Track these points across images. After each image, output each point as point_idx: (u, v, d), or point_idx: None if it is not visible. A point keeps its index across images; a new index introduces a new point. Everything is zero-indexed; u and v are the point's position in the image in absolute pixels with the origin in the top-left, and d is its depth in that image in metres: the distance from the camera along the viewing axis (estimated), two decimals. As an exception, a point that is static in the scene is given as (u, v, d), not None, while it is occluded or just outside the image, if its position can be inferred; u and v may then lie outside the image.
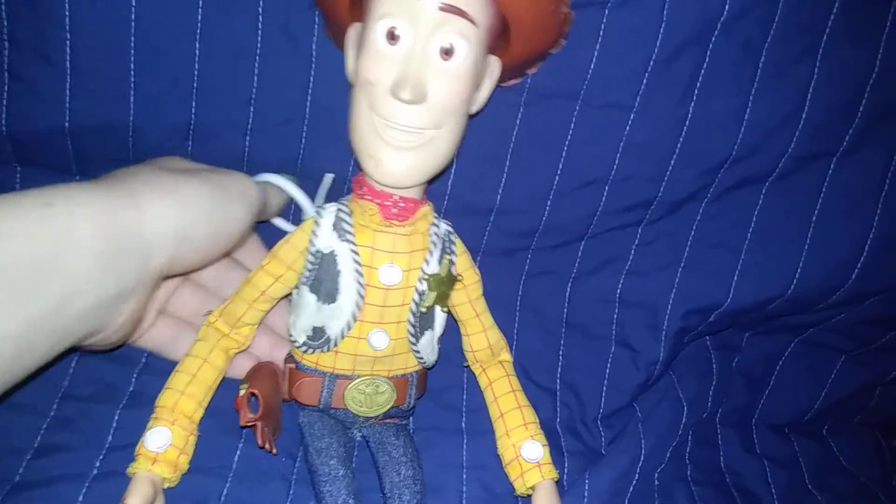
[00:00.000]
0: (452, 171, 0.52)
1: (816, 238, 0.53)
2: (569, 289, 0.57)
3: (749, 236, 0.53)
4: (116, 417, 0.45)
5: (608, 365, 0.55)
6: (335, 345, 0.42)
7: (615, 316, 0.56)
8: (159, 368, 0.45)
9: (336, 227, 0.41)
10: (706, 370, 0.58)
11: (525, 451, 0.45)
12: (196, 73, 0.47)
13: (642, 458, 0.51)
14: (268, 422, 0.41)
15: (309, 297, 0.42)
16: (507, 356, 0.50)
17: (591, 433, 0.53)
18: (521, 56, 0.44)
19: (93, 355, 0.48)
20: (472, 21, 0.37)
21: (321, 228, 0.41)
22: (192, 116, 0.49)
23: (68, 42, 0.45)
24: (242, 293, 0.44)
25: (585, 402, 0.54)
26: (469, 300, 0.47)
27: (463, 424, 0.50)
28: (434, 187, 0.52)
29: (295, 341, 0.43)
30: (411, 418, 0.51)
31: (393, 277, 0.41)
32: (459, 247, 0.46)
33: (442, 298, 0.44)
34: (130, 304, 0.36)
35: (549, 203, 0.53)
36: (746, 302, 0.54)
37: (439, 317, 0.45)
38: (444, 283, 0.43)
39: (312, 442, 0.44)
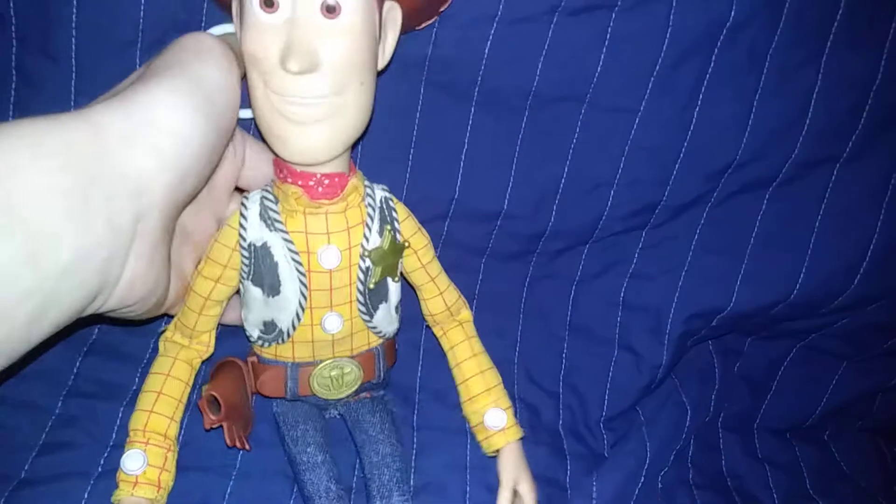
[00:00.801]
0: (459, 175, 0.52)
1: (819, 243, 0.53)
2: (573, 292, 0.57)
3: (752, 241, 0.53)
4: (120, 415, 0.45)
5: (611, 368, 0.55)
6: (288, 336, 0.41)
7: (618, 319, 0.56)
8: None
9: (263, 216, 0.39)
10: (709, 374, 0.58)
11: (488, 418, 0.46)
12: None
13: (647, 461, 0.51)
14: (235, 420, 0.41)
15: (254, 291, 0.40)
16: (466, 314, 0.49)
17: (593, 436, 0.53)
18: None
19: (97, 355, 0.48)
20: None
21: (248, 221, 0.39)
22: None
23: (74, 41, 0.45)
24: (188, 303, 0.42)
25: (588, 406, 0.54)
26: (422, 265, 0.45)
27: (467, 425, 0.50)
28: (440, 191, 0.53)
29: (249, 336, 0.43)
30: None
31: (333, 259, 0.39)
32: (402, 212, 0.43)
33: (390, 270, 0.42)
34: (134, 251, 0.31)
35: (555, 207, 0.53)
36: (749, 306, 0.54)
37: (392, 287, 0.43)
38: (388, 255, 0.41)
39: (288, 431, 0.44)
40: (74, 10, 0.44)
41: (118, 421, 0.45)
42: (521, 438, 0.47)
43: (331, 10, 0.34)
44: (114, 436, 0.44)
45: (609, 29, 0.46)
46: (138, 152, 0.30)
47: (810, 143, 0.50)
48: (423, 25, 0.45)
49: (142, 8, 0.44)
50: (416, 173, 0.52)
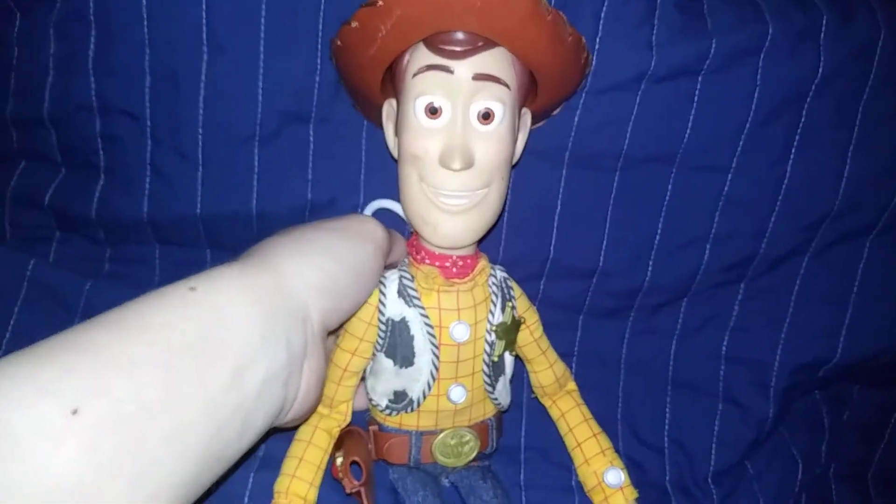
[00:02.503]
0: (553, 235, 0.54)
1: (926, 289, 0.52)
2: (673, 346, 0.57)
3: (855, 290, 0.53)
4: (251, 482, 0.48)
5: (716, 422, 0.55)
6: (418, 405, 0.44)
7: (721, 373, 0.56)
8: (288, 434, 0.48)
9: (401, 293, 0.43)
10: (817, 425, 0.57)
11: (608, 477, 0.47)
12: (311, 158, 0.51)
13: (762, 519, 0.51)
14: (369, 486, 0.43)
15: (386, 363, 0.44)
16: (572, 385, 0.51)
17: (702, 492, 0.53)
18: (549, 102, 0.46)
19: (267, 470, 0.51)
20: (504, 84, 0.39)
21: (387, 298, 0.43)
22: (308, 197, 0.53)
23: (200, 138, 0.50)
24: (329, 374, 0.45)
25: (695, 461, 0.54)
26: (534, 339, 0.48)
27: (573, 483, 0.51)
28: (535, 251, 0.54)
29: (377, 405, 0.45)
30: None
31: (463, 333, 0.43)
32: (517, 290, 0.47)
33: (510, 344, 0.45)
34: (307, 368, 0.36)
35: (650, 263, 0.54)
36: (855, 356, 0.53)
37: (509, 361, 0.46)
38: (511, 330, 0.45)
39: (408, 497, 0.45)
40: (201, 111, 0.49)
41: (249, 486, 0.47)
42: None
43: (486, 118, 0.40)
44: (246, 500, 0.46)
45: (696, 92, 0.48)
46: (310, 288, 0.36)
47: (908, 190, 0.50)
48: (535, 126, 0.49)
49: (259, 104, 0.49)
50: (510, 234, 0.54)
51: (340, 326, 0.43)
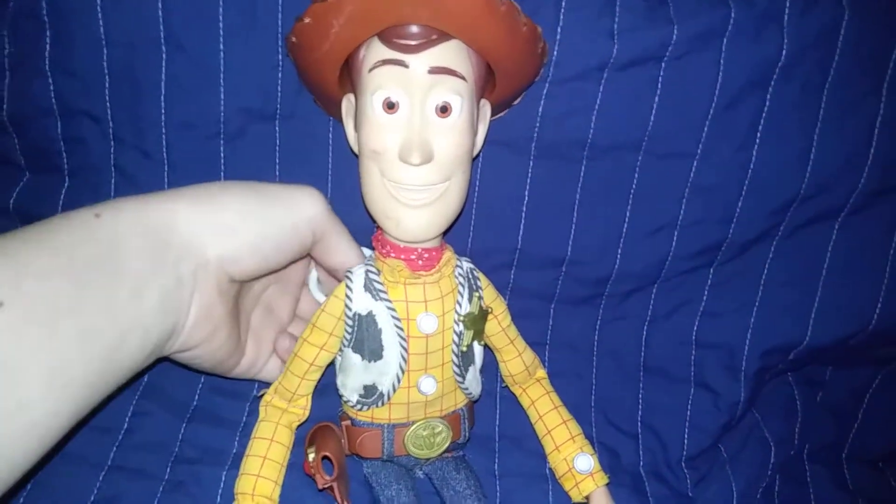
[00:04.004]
0: (522, 225, 0.54)
1: (894, 270, 0.52)
2: (645, 333, 0.58)
3: (824, 273, 0.53)
4: (223, 479, 0.48)
5: (689, 407, 0.55)
6: (388, 399, 0.44)
7: (692, 358, 0.56)
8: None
9: (368, 287, 0.43)
10: (790, 407, 0.58)
11: (578, 463, 0.48)
12: (277, 154, 0.51)
13: (735, 501, 0.51)
14: (342, 481, 0.43)
15: (353, 358, 0.44)
16: (542, 373, 0.52)
17: (676, 476, 0.53)
18: (508, 93, 0.46)
19: (199, 421, 0.51)
20: (461, 77, 0.39)
21: (354, 292, 0.43)
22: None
23: (164, 137, 0.49)
24: (291, 368, 0.45)
25: (668, 445, 0.54)
26: (502, 329, 0.49)
27: (547, 470, 0.51)
28: (503, 242, 0.55)
29: (348, 401, 0.45)
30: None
31: (430, 325, 0.43)
32: (484, 280, 0.47)
33: (478, 334, 0.46)
34: (196, 299, 0.40)
35: (619, 251, 0.54)
36: (826, 339, 0.53)
37: (478, 351, 0.47)
38: (478, 320, 0.45)
39: (382, 491, 0.46)
40: (163, 110, 0.49)
41: (222, 484, 0.48)
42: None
43: (443, 111, 0.40)
44: (218, 499, 0.47)
45: (660, 79, 0.48)
46: (203, 234, 0.39)
47: (877, 171, 0.50)
48: (497, 116, 0.49)
49: (222, 102, 0.49)
50: (479, 225, 0.54)
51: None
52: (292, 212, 0.42)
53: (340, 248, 0.45)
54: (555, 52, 0.46)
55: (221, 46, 0.47)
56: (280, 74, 0.48)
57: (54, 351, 0.32)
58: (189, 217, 0.39)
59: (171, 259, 0.38)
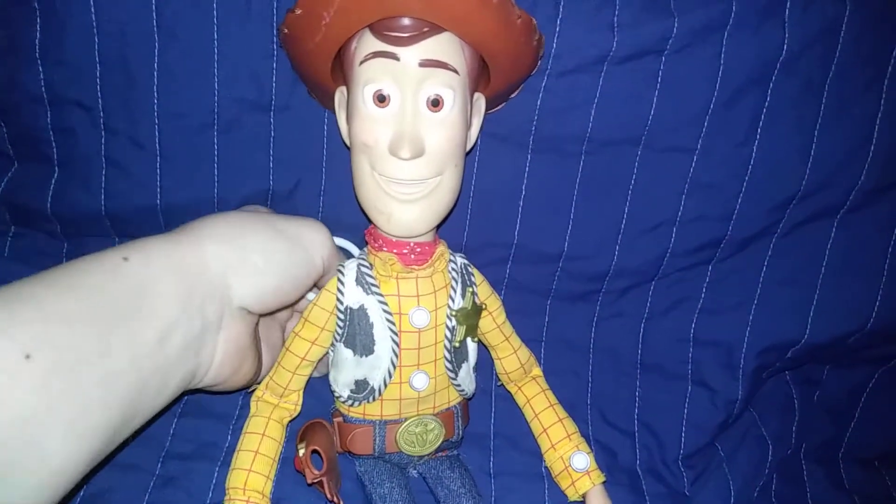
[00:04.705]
0: (518, 219, 0.53)
1: (893, 269, 0.52)
2: (642, 330, 0.57)
3: (823, 270, 0.53)
4: (216, 473, 0.48)
5: (686, 405, 0.55)
6: (380, 394, 0.44)
7: (690, 355, 0.56)
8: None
9: (359, 281, 0.43)
10: (788, 405, 0.57)
11: (574, 462, 0.47)
12: (272, 145, 0.51)
13: (732, 501, 0.51)
14: (331, 476, 0.43)
15: (346, 353, 0.43)
16: (538, 371, 0.51)
17: (672, 474, 0.53)
18: (503, 86, 0.45)
19: (191, 416, 0.51)
20: (453, 70, 0.39)
21: (346, 286, 0.43)
22: (271, 184, 0.52)
23: (157, 128, 0.49)
24: (283, 363, 0.45)
25: (665, 443, 0.54)
26: (496, 325, 0.48)
27: (543, 469, 0.51)
28: (500, 236, 0.54)
29: (339, 396, 0.45)
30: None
31: (423, 319, 0.43)
32: (478, 277, 0.47)
33: (471, 330, 0.45)
34: (221, 339, 0.39)
35: (617, 246, 0.54)
36: (824, 337, 0.53)
37: (471, 347, 0.46)
38: (471, 315, 0.45)
39: (374, 489, 0.45)
40: (155, 99, 0.48)
41: (214, 479, 0.47)
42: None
43: (435, 104, 0.39)
44: (210, 493, 0.47)
45: (659, 73, 0.47)
46: (230, 276, 0.39)
47: (877, 169, 0.49)
48: (494, 110, 0.48)
49: (216, 92, 0.48)
50: (475, 219, 0.54)
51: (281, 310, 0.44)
52: (309, 251, 0.42)
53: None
54: (554, 45, 0.46)
55: (215, 36, 0.46)
56: (275, 65, 0.48)
57: (76, 401, 0.31)
58: (216, 260, 0.39)
59: (198, 303, 0.37)
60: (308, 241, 0.42)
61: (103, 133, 0.49)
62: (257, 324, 0.44)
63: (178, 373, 0.37)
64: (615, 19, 0.45)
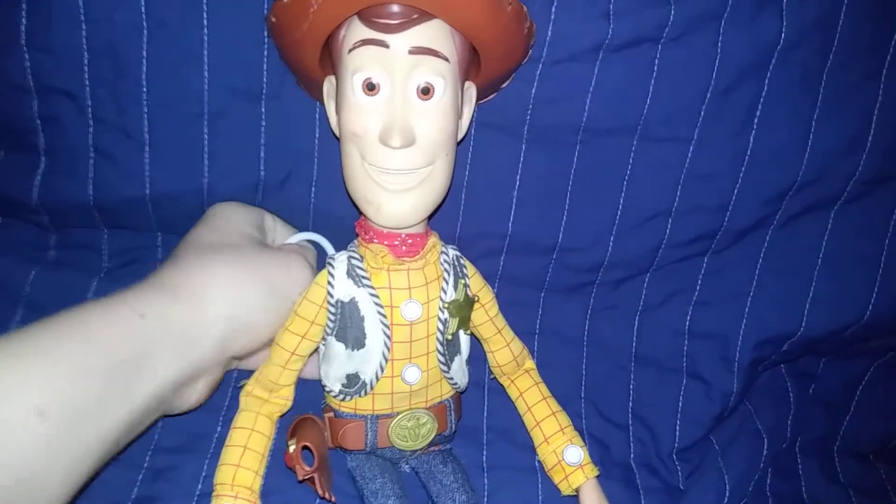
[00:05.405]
0: (512, 210, 0.53)
1: (890, 261, 0.51)
2: (636, 322, 0.57)
3: (819, 262, 0.52)
4: (205, 466, 0.47)
5: (681, 398, 0.55)
6: (371, 388, 0.43)
7: (685, 348, 0.55)
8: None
9: (350, 274, 0.42)
10: (783, 399, 0.57)
11: (567, 455, 0.47)
12: (262, 135, 0.50)
13: (727, 495, 0.50)
14: (323, 472, 0.42)
15: (337, 347, 0.43)
16: (531, 364, 0.51)
17: (667, 468, 0.53)
18: (494, 75, 0.44)
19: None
20: (443, 58, 0.38)
21: (336, 279, 0.42)
22: (261, 174, 0.51)
23: (146, 117, 0.48)
24: (273, 357, 0.44)
25: (659, 437, 0.54)
26: (489, 318, 0.48)
27: (536, 463, 0.50)
28: (493, 227, 0.53)
29: (331, 391, 0.44)
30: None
31: (414, 312, 0.42)
32: (470, 269, 0.46)
33: (464, 322, 0.45)
34: (203, 382, 0.42)
35: (612, 238, 0.53)
36: (820, 330, 0.53)
37: (464, 340, 0.46)
38: (464, 308, 0.44)
39: (366, 484, 0.45)
40: (144, 88, 0.47)
41: (204, 471, 0.47)
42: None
43: (425, 92, 0.38)
44: (199, 486, 0.46)
45: (656, 61, 0.47)
46: (227, 339, 0.41)
47: (874, 160, 0.49)
48: (486, 100, 0.48)
49: (205, 82, 0.47)
50: (468, 210, 0.53)
51: None
52: (294, 296, 0.44)
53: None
54: (548, 33, 0.45)
55: (205, 23, 0.46)
56: (266, 53, 0.47)
57: (76, 454, 0.33)
58: (219, 323, 0.40)
59: (195, 359, 0.40)
60: (298, 288, 0.44)
61: (91, 122, 0.48)
62: None
63: (160, 413, 0.41)
64: (610, 7, 0.45)
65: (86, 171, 0.50)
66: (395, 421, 0.45)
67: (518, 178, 0.52)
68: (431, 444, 0.47)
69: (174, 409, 0.42)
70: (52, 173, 0.50)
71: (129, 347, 0.36)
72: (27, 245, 0.53)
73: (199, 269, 0.42)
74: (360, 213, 0.43)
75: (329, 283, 0.42)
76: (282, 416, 0.46)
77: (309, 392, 0.48)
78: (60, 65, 0.47)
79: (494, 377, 0.52)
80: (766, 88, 0.47)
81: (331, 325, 0.43)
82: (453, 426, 0.48)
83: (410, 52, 0.38)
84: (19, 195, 0.51)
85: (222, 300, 0.41)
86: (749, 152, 0.49)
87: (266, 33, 0.46)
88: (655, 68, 0.47)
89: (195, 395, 0.42)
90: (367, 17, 0.37)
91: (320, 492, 0.41)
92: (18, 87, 0.47)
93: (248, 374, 0.46)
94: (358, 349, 0.43)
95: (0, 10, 0.45)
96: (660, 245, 0.53)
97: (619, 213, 0.52)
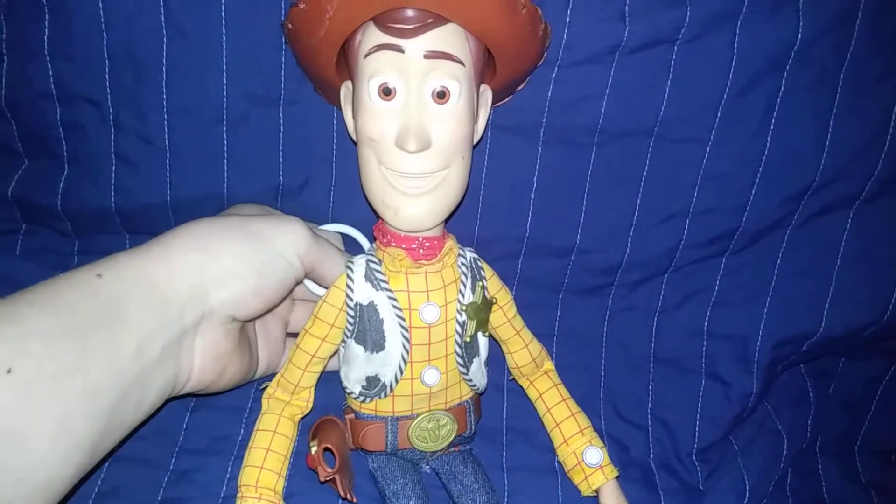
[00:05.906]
0: (530, 212, 0.53)
1: (910, 260, 0.51)
2: (655, 323, 0.57)
3: (839, 262, 0.52)
4: (229, 468, 0.48)
5: (700, 399, 0.54)
6: (391, 390, 0.43)
7: (704, 349, 0.55)
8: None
9: (369, 277, 0.42)
10: (802, 399, 0.57)
11: (587, 457, 0.47)
12: (281, 140, 0.50)
13: (747, 496, 0.50)
14: (344, 473, 0.43)
15: (356, 349, 0.43)
16: (550, 365, 0.51)
17: (686, 469, 0.53)
18: (510, 78, 0.44)
19: (205, 409, 0.51)
20: (458, 61, 0.38)
21: (355, 282, 0.42)
22: (280, 179, 0.52)
23: (166, 124, 0.49)
24: (294, 360, 0.45)
25: (679, 438, 0.54)
26: (507, 320, 0.48)
27: (556, 464, 0.50)
28: (511, 230, 0.54)
29: (351, 392, 0.45)
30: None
31: (433, 315, 0.42)
32: (488, 271, 0.46)
33: (482, 324, 0.45)
34: (199, 346, 0.41)
35: (629, 239, 0.53)
36: (840, 330, 0.52)
37: (482, 342, 0.46)
38: (482, 310, 0.44)
39: (387, 485, 0.45)
40: (164, 95, 0.48)
41: (228, 473, 0.47)
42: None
43: (441, 97, 0.39)
44: (224, 488, 0.47)
45: (672, 63, 0.47)
46: (204, 285, 0.40)
47: (893, 158, 0.49)
48: (500, 104, 0.48)
49: (224, 88, 0.48)
50: (486, 213, 0.53)
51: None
52: (284, 250, 0.42)
53: (334, 271, 0.45)
54: (564, 35, 0.45)
55: (223, 30, 0.46)
56: (283, 59, 0.47)
57: (59, 413, 0.33)
58: (188, 269, 0.39)
59: (174, 313, 0.39)
60: (283, 240, 0.42)
61: (112, 129, 0.49)
62: (243, 327, 0.44)
63: (158, 382, 0.38)
64: (626, 8, 0.45)
65: (108, 177, 0.51)
66: (415, 422, 0.45)
67: (535, 180, 0.52)
68: (451, 444, 0.47)
69: (179, 378, 0.40)
70: (74, 180, 0.51)
71: (94, 306, 0.35)
72: (50, 252, 0.54)
73: (172, 230, 0.42)
74: (378, 216, 0.43)
75: (348, 286, 0.43)
76: (303, 418, 0.47)
77: (330, 394, 0.48)
78: (82, 73, 0.48)
79: (513, 379, 0.52)
80: (783, 88, 0.47)
81: (350, 327, 0.43)
82: (473, 427, 0.48)
83: (426, 57, 0.38)
84: (43, 202, 0.52)
85: (190, 246, 0.40)
86: (766, 152, 0.49)
87: (283, 40, 0.46)
88: (671, 69, 0.47)
89: (196, 360, 0.41)
90: (382, 23, 0.37)
91: (342, 493, 0.42)
92: (42, 96, 0.48)
93: (270, 377, 0.46)
94: (377, 352, 0.43)
95: (23, 21, 0.46)
96: (677, 246, 0.53)
97: (636, 214, 0.52)
